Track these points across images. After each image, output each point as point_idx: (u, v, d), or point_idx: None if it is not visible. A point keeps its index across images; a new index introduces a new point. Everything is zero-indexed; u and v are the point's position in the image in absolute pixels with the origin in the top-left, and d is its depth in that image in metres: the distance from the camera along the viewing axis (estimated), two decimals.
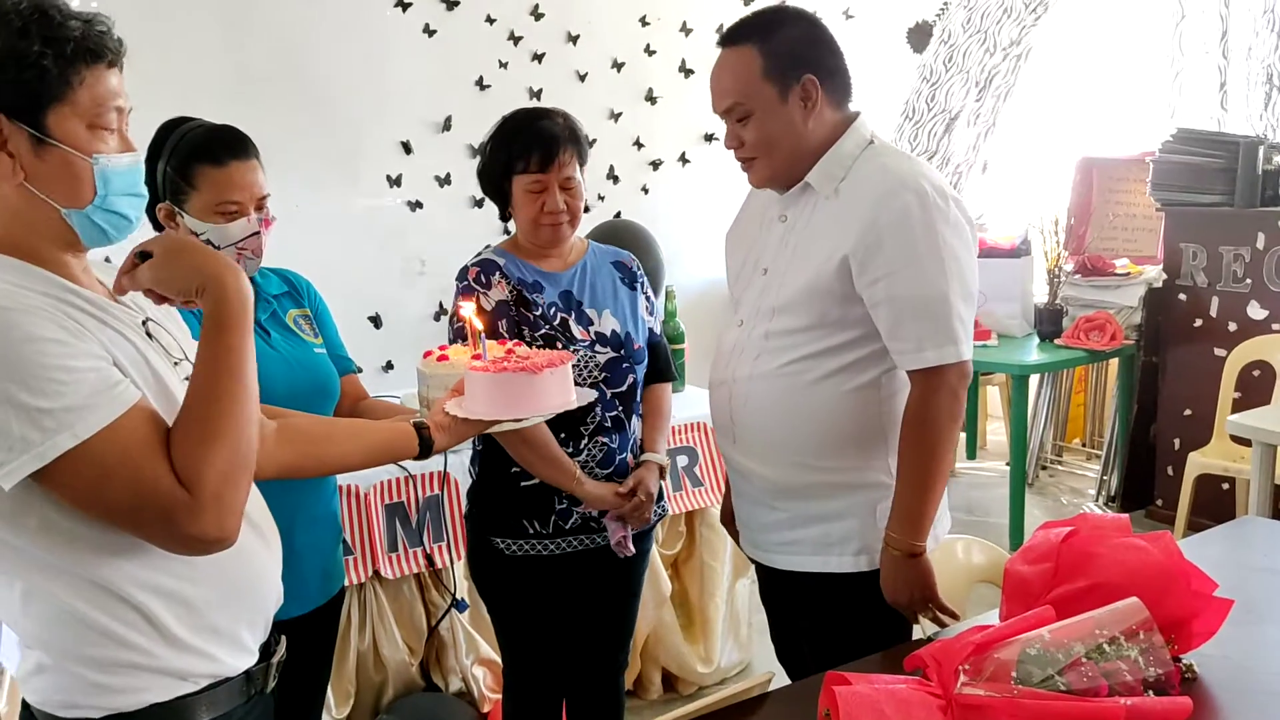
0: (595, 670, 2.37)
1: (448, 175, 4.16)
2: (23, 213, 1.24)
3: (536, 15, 4.31)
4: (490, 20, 4.21)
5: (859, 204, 1.84)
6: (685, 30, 4.71)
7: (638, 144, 4.65)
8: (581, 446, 2.17)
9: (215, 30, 3.65)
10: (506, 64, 4.25)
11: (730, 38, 1.91)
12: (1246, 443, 3.55)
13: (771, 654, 2.22)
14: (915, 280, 1.80)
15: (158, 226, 1.91)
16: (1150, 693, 1.37)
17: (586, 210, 2.24)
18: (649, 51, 4.62)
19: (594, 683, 2.38)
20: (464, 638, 2.92)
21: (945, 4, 5.22)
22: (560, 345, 2.12)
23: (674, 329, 3.36)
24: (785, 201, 1.96)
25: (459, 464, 2.75)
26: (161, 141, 1.91)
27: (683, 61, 4.70)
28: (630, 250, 2.38)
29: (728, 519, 2.19)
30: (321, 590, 2.05)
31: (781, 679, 1.94)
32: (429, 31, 4.07)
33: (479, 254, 2.21)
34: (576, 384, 1.65)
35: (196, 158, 1.87)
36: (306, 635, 1.91)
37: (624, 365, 2.20)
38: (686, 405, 3.20)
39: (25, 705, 1.29)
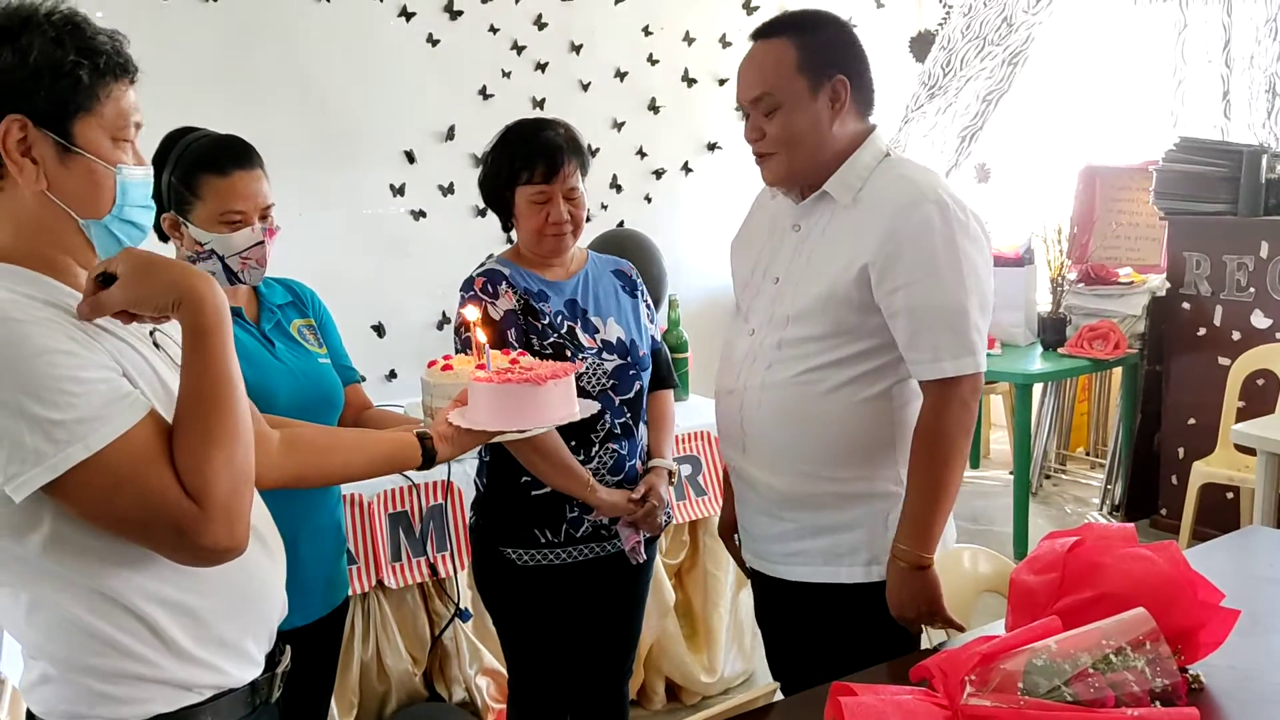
0: (600, 679, 2.36)
1: (451, 184, 4.16)
2: (39, 221, 1.24)
3: (539, 25, 4.32)
4: (493, 30, 4.22)
5: (878, 213, 1.84)
6: (688, 40, 4.72)
7: (640, 153, 4.65)
8: (593, 454, 2.17)
9: (219, 40, 3.66)
10: (510, 73, 4.26)
11: (766, 31, 1.91)
12: (1251, 452, 3.55)
13: None
14: (935, 291, 1.80)
15: (162, 237, 1.91)
16: (1157, 703, 1.37)
17: (589, 219, 2.24)
18: (652, 61, 4.62)
19: (599, 692, 2.37)
20: (467, 647, 2.91)
21: (948, 13, 5.23)
22: (569, 353, 2.12)
23: (678, 338, 3.35)
24: (799, 211, 1.96)
25: (462, 473, 2.74)
26: (166, 151, 1.91)
27: (685, 71, 4.71)
28: (633, 259, 2.38)
29: (726, 530, 2.18)
30: (326, 600, 2.05)
31: None
32: (432, 41, 4.08)
33: (482, 264, 2.22)
34: (585, 392, 1.65)
35: (201, 167, 1.88)
36: (311, 645, 1.91)
37: (630, 372, 2.20)
38: (690, 414, 3.20)
39: (30, 715, 1.29)
